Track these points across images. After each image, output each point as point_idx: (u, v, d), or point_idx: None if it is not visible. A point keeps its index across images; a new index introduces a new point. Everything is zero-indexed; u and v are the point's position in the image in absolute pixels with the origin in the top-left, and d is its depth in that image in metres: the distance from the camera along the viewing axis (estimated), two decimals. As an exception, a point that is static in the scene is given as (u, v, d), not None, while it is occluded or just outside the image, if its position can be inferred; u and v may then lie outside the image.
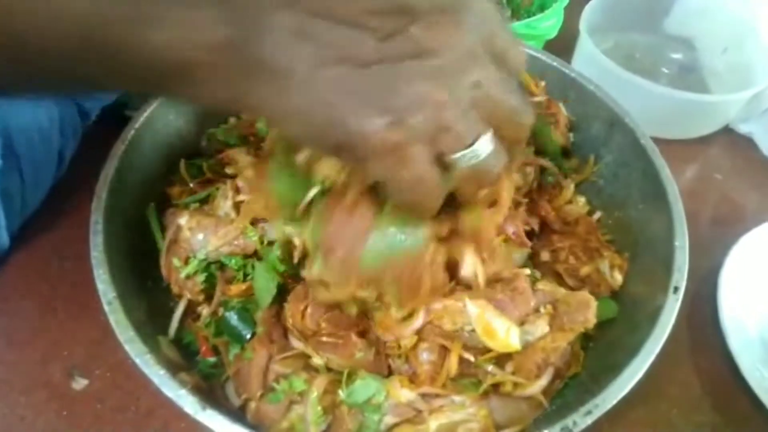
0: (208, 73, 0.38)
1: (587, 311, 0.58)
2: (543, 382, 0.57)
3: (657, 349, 0.53)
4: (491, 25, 0.42)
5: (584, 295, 0.59)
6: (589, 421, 0.48)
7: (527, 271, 0.59)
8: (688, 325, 0.78)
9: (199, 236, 0.63)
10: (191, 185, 0.72)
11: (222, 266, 0.65)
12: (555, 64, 0.78)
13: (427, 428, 0.52)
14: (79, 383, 0.70)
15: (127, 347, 0.52)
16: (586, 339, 0.61)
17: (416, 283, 0.50)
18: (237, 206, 0.66)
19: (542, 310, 0.58)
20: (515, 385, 0.56)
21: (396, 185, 0.41)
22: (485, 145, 0.41)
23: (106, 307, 0.54)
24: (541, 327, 0.57)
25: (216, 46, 0.37)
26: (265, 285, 0.60)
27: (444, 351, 0.56)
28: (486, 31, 0.41)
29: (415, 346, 0.56)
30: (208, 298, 0.65)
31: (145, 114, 0.70)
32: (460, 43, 0.39)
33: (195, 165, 0.74)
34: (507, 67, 0.42)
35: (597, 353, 0.61)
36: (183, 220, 0.64)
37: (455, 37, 0.39)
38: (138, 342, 0.52)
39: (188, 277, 0.63)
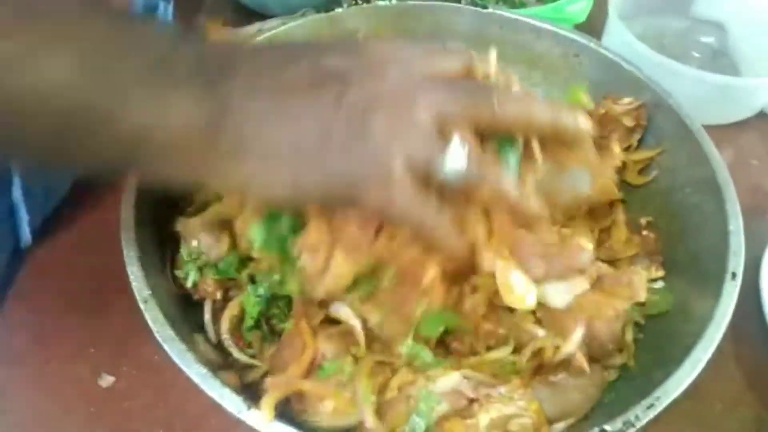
0: (185, 153, 0.42)
1: (637, 283, 0.56)
2: (578, 335, 0.54)
3: (719, 338, 0.51)
4: (422, 61, 0.46)
5: (634, 269, 0.58)
6: (651, 414, 0.47)
7: (590, 245, 0.56)
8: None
9: (194, 243, 0.61)
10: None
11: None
12: (592, 45, 0.76)
13: (477, 423, 0.50)
14: (107, 380, 0.68)
15: (166, 346, 0.50)
16: (635, 331, 0.59)
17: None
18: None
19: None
20: (555, 349, 0.54)
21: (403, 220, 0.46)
22: (454, 155, 0.43)
23: (141, 305, 0.53)
24: (581, 284, 0.55)
25: (192, 128, 0.41)
26: None
27: None
28: (420, 66, 0.45)
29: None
30: (228, 290, 0.63)
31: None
32: (398, 80, 0.44)
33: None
34: (467, 85, 0.47)
35: (647, 345, 0.59)
36: (181, 225, 0.63)
37: (392, 78, 0.43)
38: (177, 341, 0.50)
39: (195, 285, 0.61)
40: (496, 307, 0.56)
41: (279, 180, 0.43)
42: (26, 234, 0.77)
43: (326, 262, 0.51)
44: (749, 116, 1.00)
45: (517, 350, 0.56)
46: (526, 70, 0.82)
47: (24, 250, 0.78)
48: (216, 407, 0.47)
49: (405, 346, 0.54)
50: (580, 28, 1.03)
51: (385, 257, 0.51)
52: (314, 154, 0.42)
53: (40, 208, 0.78)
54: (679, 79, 0.90)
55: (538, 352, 0.55)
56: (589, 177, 0.60)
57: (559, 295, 0.55)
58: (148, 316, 0.52)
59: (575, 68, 0.77)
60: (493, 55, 0.53)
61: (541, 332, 0.55)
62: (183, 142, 0.41)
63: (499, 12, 0.80)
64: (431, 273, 0.51)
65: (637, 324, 0.58)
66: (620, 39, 0.95)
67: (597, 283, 0.56)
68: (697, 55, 1.09)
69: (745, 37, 1.06)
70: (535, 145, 0.50)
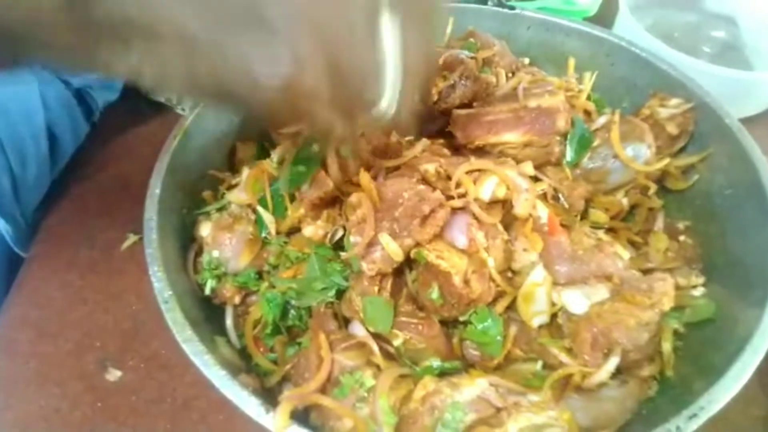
0: (54, 35, 0.36)
1: (659, 290, 0.53)
2: (610, 366, 0.51)
3: (766, 345, 0.48)
4: None
5: (658, 275, 0.55)
6: (694, 425, 0.44)
7: (626, 254, 0.55)
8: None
9: (215, 253, 0.61)
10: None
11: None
12: (623, 44, 0.74)
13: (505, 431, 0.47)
14: (113, 375, 0.67)
15: (185, 347, 0.48)
16: (674, 339, 0.56)
17: None
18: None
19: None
20: (583, 375, 0.52)
21: None
22: None
23: (162, 306, 0.51)
24: (600, 291, 0.53)
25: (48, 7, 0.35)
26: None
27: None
28: None
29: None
30: (247, 295, 0.63)
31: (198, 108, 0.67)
32: None
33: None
34: None
35: (687, 354, 0.56)
36: (205, 231, 0.62)
37: None
38: (196, 342, 0.48)
39: (213, 290, 0.61)
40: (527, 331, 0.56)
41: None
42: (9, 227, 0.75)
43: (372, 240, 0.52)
44: (760, 111, 0.97)
45: (546, 367, 0.55)
46: (556, 70, 0.80)
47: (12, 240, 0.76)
48: (223, 403, 0.46)
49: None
50: (590, 20, 1.01)
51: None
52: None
53: (7, 194, 0.76)
54: (690, 74, 0.88)
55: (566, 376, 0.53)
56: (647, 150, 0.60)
57: (578, 300, 0.54)
58: (168, 317, 0.50)
59: (606, 68, 0.75)
60: None
61: (566, 359, 0.53)
62: (44, 24, 0.35)
63: (527, 13, 0.78)
64: None
65: (676, 332, 0.56)
66: (631, 32, 0.91)
67: (618, 291, 0.53)
68: (707, 49, 1.06)
69: (756, 31, 1.02)
70: None
